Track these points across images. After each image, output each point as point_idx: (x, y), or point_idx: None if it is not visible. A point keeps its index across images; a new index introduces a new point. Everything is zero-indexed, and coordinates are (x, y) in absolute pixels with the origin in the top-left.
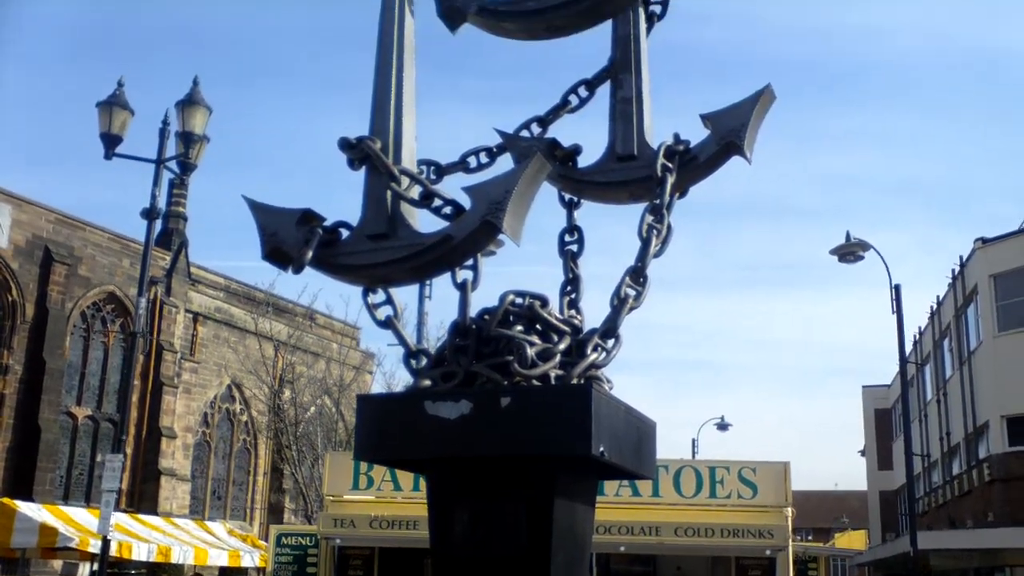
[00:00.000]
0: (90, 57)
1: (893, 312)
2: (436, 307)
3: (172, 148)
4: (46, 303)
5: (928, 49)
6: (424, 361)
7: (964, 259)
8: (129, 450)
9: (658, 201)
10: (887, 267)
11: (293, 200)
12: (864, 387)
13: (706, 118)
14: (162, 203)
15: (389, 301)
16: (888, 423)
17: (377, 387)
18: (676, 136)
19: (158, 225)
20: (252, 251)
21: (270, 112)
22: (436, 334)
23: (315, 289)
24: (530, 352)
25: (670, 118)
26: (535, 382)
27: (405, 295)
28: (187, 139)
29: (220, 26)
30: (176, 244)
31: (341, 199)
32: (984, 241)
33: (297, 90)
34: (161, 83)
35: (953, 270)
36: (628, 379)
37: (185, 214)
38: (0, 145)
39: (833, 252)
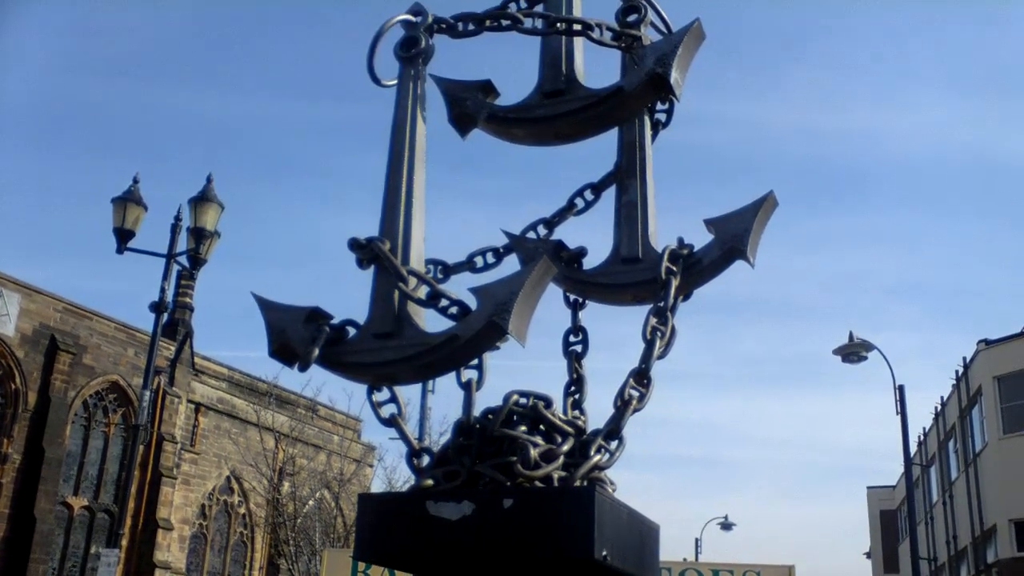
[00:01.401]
0: (105, 145)
1: (897, 413)
2: (439, 401)
3: (183, 241)
4: (49, 392)
5: (929, 152)
6: (427, 459)
7: (967, 360)
8: (124, 542)
9: (662, 304)
10: (891, 367)
11: (301, 291)
12: (869, 488)
13: (709, 223)
14: (169, 294)
15: (394, 399)
16: (894, 525)
17: (378, 482)
18: (680, 240)
19: (164, 316)
20: (256, 341)
21: (279, 205)
22: (439, 428)
23: (319, 382)
24: (533, 453)
25: (673, 215)
26: (538, 484)
27: (408, 389)
28: (198, 234)
29: (235, 121)
30: (181, 334)
31: (349, 293)
32: (987, 343)
33: (308, 184)
34: (173, 172)
35: (956, 371)
36: (629, 475)
37: (192, 304)
38: (14, 234)
39: (836, 352)
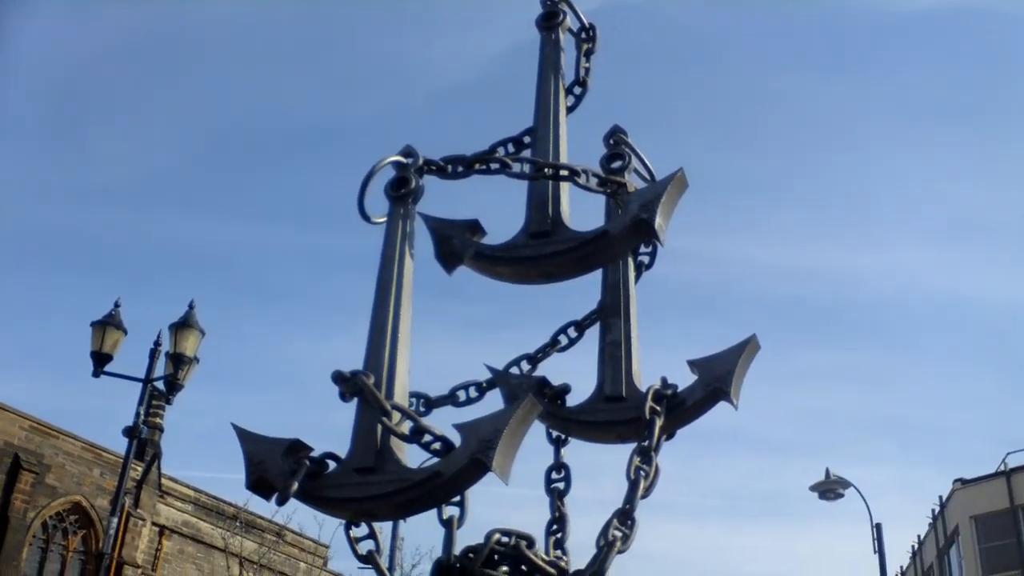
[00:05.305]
0: (88, 266)
1: (875, 552)
2: (411, 530)
3: (161, 365)
4: (8, 512)
5: (900, 293)
6: None
7: (943, 499)
8: None
9: (646, 443)
10: (868, 506)
11: (275, 415)
12: None
13: (693, 364)
14: (142, 415)
15: (371, 535)
16: None
17: None
18: (664, 380)
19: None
20: (226, 462)
21: (257, 327)
22: (411, 559)
23: (290, 509)
24: None
25: (652, 349)
26: None
27: None
28: (177, 360)
29: (219, 245)
30: (149, 455)
31: (325, 417)
32: (963, 482)
33: (288, 309)
34: (155, 293)
35: (933, 510)
36: None
37: (162, 425)
38: None
39: (813, 489)
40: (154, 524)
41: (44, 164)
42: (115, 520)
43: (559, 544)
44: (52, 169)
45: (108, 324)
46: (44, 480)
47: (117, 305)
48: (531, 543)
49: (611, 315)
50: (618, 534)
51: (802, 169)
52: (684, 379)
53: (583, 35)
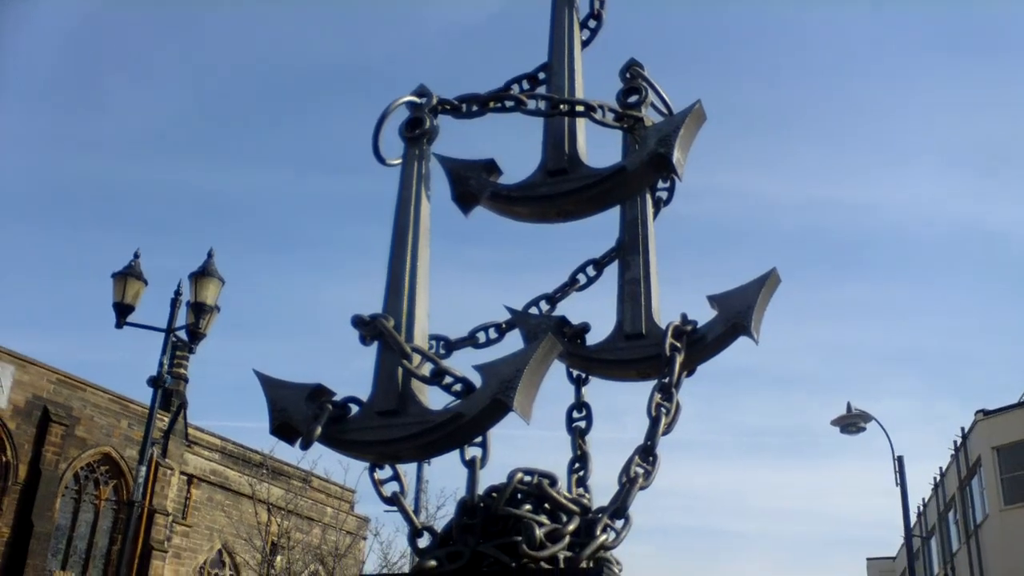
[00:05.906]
0: (107, 219)
1: (897, 484)
2: (436, 472)
3: (182, 315)
4: (40, 464)
5: (923, 223)
6: (428, 539)
7: (965, 431)
8: None
9: (667, 380)
10: (890, 439)
11: (297, 362)
12: (869, 559)
13: (713, 299)
14: (165, 366)
15: (396, 477)
16: None
17: (374, 556)
18: (684, 316)
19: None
20: (251, 411)
21: (277, 275)
22: (436, 500)
23: (315, 455)
24: (539, 533)
25: (670, 286)
26: (544, 564)
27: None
28: (198, 309)
29: (235, 193)
30: (175, 405)
31: (346, 363)
32: (985, 413)
33: (307, 256)
34: (174, 244)
35: (955, 441)
36: (624, 546)
37: (186, 375)
38: (14, 307)
39: (835, 423)
40: (183, 473)
41: (58, 116)
42: (143, 469)
43: (582, 482)
44: (66, 121)
45: (129, 275)
46: (74, 432)
47: (137, 256)
48: (554, 481)
49: (629, 252)
50: (640, 471)
51: (822, 101)
52: (704, 315)
53: None
